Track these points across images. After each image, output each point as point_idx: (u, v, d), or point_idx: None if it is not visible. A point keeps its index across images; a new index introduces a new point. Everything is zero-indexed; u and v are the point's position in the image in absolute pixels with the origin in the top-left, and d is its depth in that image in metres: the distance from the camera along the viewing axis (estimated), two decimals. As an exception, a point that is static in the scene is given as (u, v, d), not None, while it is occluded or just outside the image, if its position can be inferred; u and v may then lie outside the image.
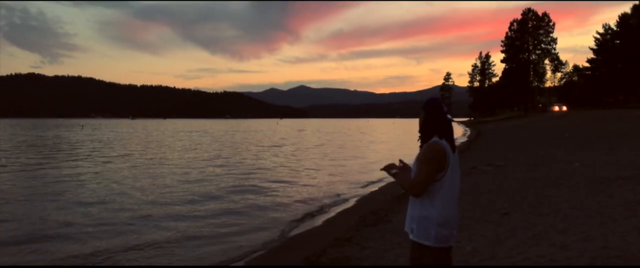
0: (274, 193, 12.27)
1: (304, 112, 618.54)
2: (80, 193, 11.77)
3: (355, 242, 6.39)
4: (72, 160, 20.84)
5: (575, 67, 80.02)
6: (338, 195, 12.04)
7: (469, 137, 41.09)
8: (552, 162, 12.66)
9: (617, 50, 62.15)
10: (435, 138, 2.69)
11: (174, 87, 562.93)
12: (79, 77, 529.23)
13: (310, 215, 9.51)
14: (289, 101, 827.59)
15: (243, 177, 15.42)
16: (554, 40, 79.81)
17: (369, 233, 6.89)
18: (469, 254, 5.05)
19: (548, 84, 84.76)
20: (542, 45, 79.89)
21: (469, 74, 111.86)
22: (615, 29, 64.76)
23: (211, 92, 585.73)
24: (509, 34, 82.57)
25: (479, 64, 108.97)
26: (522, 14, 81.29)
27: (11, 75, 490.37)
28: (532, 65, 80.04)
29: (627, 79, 58.14)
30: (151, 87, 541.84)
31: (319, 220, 8.99)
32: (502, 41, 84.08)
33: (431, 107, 2.77)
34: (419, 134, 2.81)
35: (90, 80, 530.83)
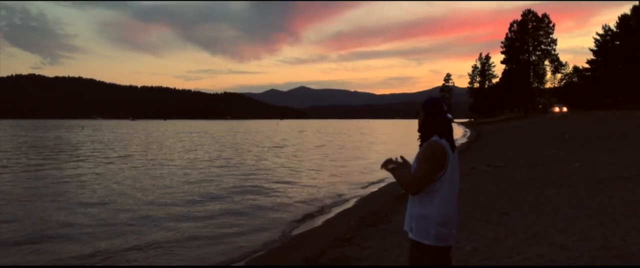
0: (275, 193, 12.27)
1: (304, 113, 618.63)
2: (81, 194, 11.78)
3: (355, 242, 6.39)
4: (73, 161, 20.85)
5: (575, 68, 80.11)
6: (339, 195, 12.05)
7: (469, 138, 41.09)
8: (552, 163, 12.65)
9: (617, 51, 62.16)
10: (435, 138, 2.69)
11: (174, 88, 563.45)
12: (80, 78, 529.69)
13: (311, 215, 9.52)
14: (289, 102, 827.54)
15: (244, 178, 15.43)
16: (554, 41, 79.88)
17: (368, 233, 6.89)
18: (469, 254, 5.05)
19: (548, 85, 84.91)
20: (542, 46, 79.95)
21: (469, 75, 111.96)
22: (615, 30, 64.79)
23: (211, 93, 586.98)
24: (509, 35, 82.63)
25: (479, 65, 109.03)
26: (522, 15, 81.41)
27: (12, 76, 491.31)
28: (532, 66, 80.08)
29: (627, 80, 58.12)
30: (151, 88, 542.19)
31: (319, 221, 9.00)
32: (502, 42, 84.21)
33: (431, 107, 2.77)
34: (419, 134, 2.82)
35: (91, 81, 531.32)
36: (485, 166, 13.51)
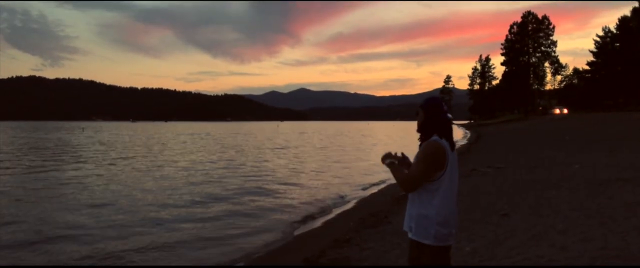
0: (276, 194, 12.29)
1: (304, 114, 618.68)
2: (84, 196, 11.79)
3: (354, 243, 6.40)
4: (75, 163, 20.87)
5: (575, 70, 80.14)
6: (340, 196, 12.06)
7: (469, 139, 41.10)
8: (552, 164, 12.66)
9: (617, 53, 62.24)
10: (435, 137, 2.69)
11: (175, 89, 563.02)
12: (80, 80, 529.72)
13: (311, 216, 9.53)
14: (290, 104, 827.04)
15: (245, 179, 15.44)
16: (554, 43, 79.96)
17: (368, 234, 6.89)
18: (469, 255, 5.05)
19: (548, 87, 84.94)
20: (542, 48, 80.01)
21: (469, 76, 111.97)
22: (615, 31, 64.86)
23: (212, 94, 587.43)
24: (509, 37, 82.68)
25: (479, 67, 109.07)
26: (522, 17, 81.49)
27: (12, 77, 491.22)
28: (532, 68, 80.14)
29: (627, 81, 58.15)
30: (152, 90, 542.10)
31: (319, 222, 9.02)
32: (502, 44, 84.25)
33: (431, 106, 2.76)
34: (418, 134, 2.81)
35: (91, 83, 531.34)
36: (485, 167, 13.52)
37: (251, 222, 8.99)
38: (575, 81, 79.59)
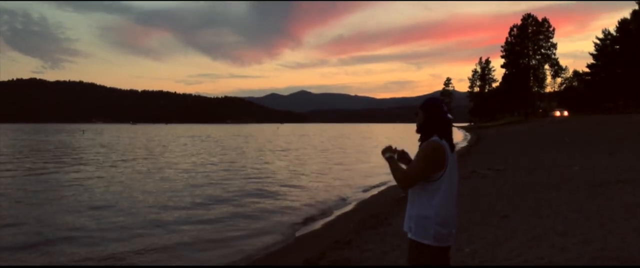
0: (277, 196, 12.30)
1: (304, 117, 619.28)
2: (86, 197, 11.81)
3: (355, 245, 6.40)
4: (76, 165, 20.89)
5: (575, 72, 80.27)
6: (341, 198, 12.07)
7: (469, 141, 41.10)
8: (552, 166, 12.67)
9: (617, 55, 62.32)
10: (435, 138, 2.69)
11: (175, 92, 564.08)
12: (81, 83, 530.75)
13: (312, 218, 9.53)
14: (290, 106, 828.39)
15: (246, 181, 15.45)
16: (554, 46, 79.99)
17: (368, 236, 6.90)
18: (468, 256, 5.06)
19: (548, 89, 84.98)
20: (542, 50, 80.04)
21: (469, 79, 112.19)
22: (615, 34, 64.93)
23: (212, 97, 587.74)
24: (509, 40, 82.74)
25: (479, 69, 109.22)
26: (522, 20, 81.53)
27: (13, 80, 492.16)
28: (532, 71, 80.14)
29: (627, 84, 58.21)
30: (152, 92, 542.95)
31: (319, 224, 9.02)
32: (502, 46, 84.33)
33: (431, 107, 2.77)
34: (419, 135, 2.81)
35: (92, 85, 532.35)
36: (485, 170, 13.53)
37: (252, 223, 8.99)
38: (575, 84, 79.70)
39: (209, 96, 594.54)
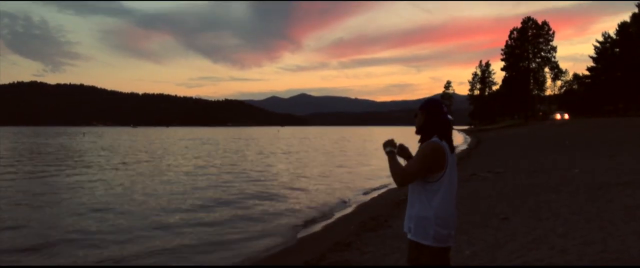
0: (278, 199, 12.31)
1: (304, 120, 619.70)
2: (88, 200, 11.83)
3: (355, 247, 6.41)
4: (78, 168, 20.91)
5: (575, 75, 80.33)
6: (343, 201, 12.07)
7: (469, 144, 41.11)
8: (552, 169, 12.68)
9: (617, 58, 62.34)
10: (435, 139, 2.69)
11: (176, 95, 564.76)
12: (81, 86, 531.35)
13: (313, 220, 9.54)
14: (290, 109, 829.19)
15: (247, 184, 15.46)
16: (554, 49, 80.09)
17: (368, 238, 6.91)
18: (469, 258, 5.07)
19: (548, 92, 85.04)
20: (542, 53, 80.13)
21: (469, 82, 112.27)
22: (614, 37, 65.01)
23: (213, 100, 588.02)
24: (509, 43, 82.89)
25: (479, 72, 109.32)
26: (522, 23, 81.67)
27: (13, 83, 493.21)
28: (532, 74, 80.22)
29: (627, 87, 58.22)
30: (153, 95, 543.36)
31: (320, 226, 9.03)
32: (502, 49, 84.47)
33: (431, 108, 2.77)
34: (418, 137, 2.82)
35: (92, 88, 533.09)
36: (485, 172, 13.54)
37: (252, 226, 9.01)
38: (575, 86, 79.72)
39: (209, 99, 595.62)
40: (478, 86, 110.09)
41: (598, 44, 68.45)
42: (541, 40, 79.74)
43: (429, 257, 2.58)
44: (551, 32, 79.60)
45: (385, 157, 2.87)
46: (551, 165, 13.72)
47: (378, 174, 17.86)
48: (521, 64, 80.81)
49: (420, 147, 2.73)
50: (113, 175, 18.09)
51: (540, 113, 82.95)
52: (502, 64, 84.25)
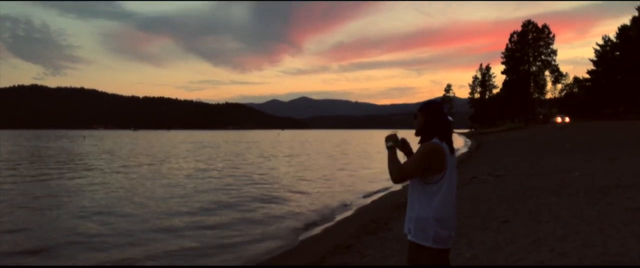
0: (279, 202, 12.31)
1: (305, 123, 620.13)
2: (90, 203, 11.82)
3: (355, 250, 6.42)
4: (80, 171, 20.91)
5: (576, 78, 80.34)
6: (344, 204, 12.06)
7: (469, 147, 41.09)
8: (552, 172, 12.68)
9: (617, 61, 62.41)
10: (435, 140, 2.70)
11: (177, 98, 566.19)
12: (82, 89, 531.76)
13: (313, 223, 9.54)
14: (291, 112, 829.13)
15: (249, 187, 15.45)
16: (554, 52, 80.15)
17: (369, 241, 6.91)
18: (469, 261, 5.08)
19: (548, 96, 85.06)
20: (542, 56, 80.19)
21: (470, 85, 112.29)
22: (615, 40, 65.08)
23: (213, 103, 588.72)
24: (509, 46, 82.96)
25: (479, 76, 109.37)
26: (522, 26, 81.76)
27: (14, 86, 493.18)
28: (532, 77, 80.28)
29: (627, 90, 58.27)
30: (153, 98, 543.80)
31: (320, 229, 9.03)
32: (502, 53, 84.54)
33: (431, 109, 2.77)
34: (418, 139, 2.82)
35: (93, 91, 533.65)
36: (485, 175, 13.54)
37: (254, 228, 9.01)
38: (575, 90, 79.78)
39: (210, 102, 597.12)
40: (478, 89, 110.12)
41: (598, 47, 68.55)
42: (541, 43, 79.81)
43: (429, 258, 2.58)
44: (551, 35, 79.72)
45: (386, 160, 2.87)
46: (551, 168, 13.73)
47: (379, 177, 17.86)
48: (521, 67, 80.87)
49: (420, 147, 2.73)
50: (114, 178, 18.10)
51: (541, 116, 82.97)
52: (503, 67, 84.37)
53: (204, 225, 9.27)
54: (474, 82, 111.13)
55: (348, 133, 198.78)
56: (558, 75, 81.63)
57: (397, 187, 14.41)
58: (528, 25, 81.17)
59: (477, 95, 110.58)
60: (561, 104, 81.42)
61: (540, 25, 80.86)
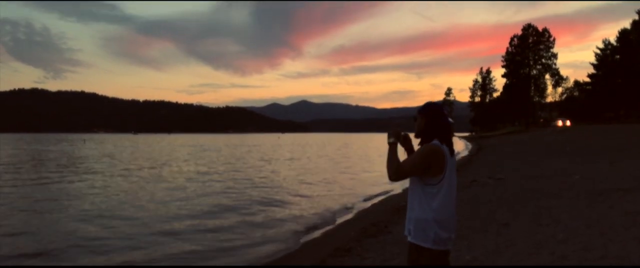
0: (280, 205, 12.31)
1: (305, 126, 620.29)
2: (92, 207, 11.82)
3: (355, 253, 6.42)
4: (81, 174, 20.91)
5: (576, 82, 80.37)
6: (345, 207, 12.06)
7: (470, 151, 41.08)
8: (553, 175, 12.68)
9: (618, 65, 62.44)
10: (435, 142, 2.70)
11: (177, 102, 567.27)
12: (82, 92, 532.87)
13: (314, 227, 9.53)
14: (291, 116, 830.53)
15: (250, 190, 15.44)
16: (555, 56, 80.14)
17: (369, 244, 6.91)
18: (469, 263, 5.08)
19: (549, 99, 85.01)
20: (543, 60, 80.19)
21: (470, 89, 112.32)
22: (615, 44, 65.15)
23: (214, 106, 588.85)
24: (510, 50, 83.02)
25: (479, 79, 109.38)
26: (522, 30, 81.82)
27: (15, 90, 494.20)
28: (532, 80, 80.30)
29: (627, 93, 58.30)
30: (154, 102, 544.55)
31: (321, 232, 9.03)
32: (502, 56, 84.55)
33: (431, 111, 2.78)
34: (418, 140, 2.83)
35: (94, 95, 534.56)
36: (485, 178, 13.54)
37: (255, 232, 9.01)
38: (576, 93, 79.77)
39: (210, 106, 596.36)
40: (479, 93, 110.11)
41: (598, 51, 68.61)
42: (542, 47, 79.87)
43: (429, 259, 2.59)
44: (552, 39, 79.79)
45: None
46: (552, 171, 13.73)
47: (380, 180, 17.84)
48: (522, 71, 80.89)
49: (420, 147, 2.74)
50: (115, 181, 18.11)
51: (541, 120, 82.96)
52: (503, 70, 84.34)
53: (205, 228, 9.27)
54: (474, 85, 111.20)
55: (348, 136, 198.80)
56: (558, 79, 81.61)
57: (398, 190, 14.41)
58: (528, 28, 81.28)
59: (477, 99, 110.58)
60: (562, 108, 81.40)
61: (540, 28, 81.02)
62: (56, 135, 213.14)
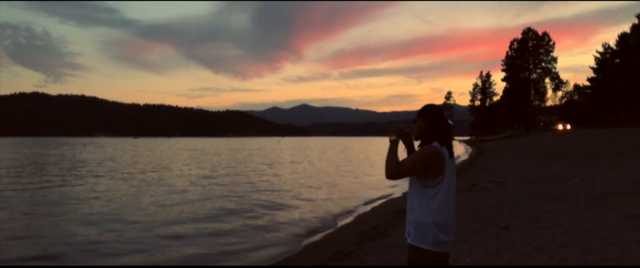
0: (280, 209, 12.30)
1: (306, 130, 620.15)
2: (94, 210, 11.81)
3: (355, 256, 6.44)
4: (83, 178, 20.91)
5: (576, 86, 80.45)
6: (346, 210, 12.06)
7: (470, 155, 41.07)
8: (553, 179, 12.71)
9: (617, 69, 62.52)
10: (435, 144, 2.72)
11: (177, 106, 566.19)
12: (83, 96, 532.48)
13: (314, 230, 9.54)
14: (291, 120, 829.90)
15: (251, 194, 15.41)
16: (554, 59, 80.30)
17: (369, 247, 6.93)
18: (469, 266, 5.10)
19: (549, 103, 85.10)
20: (543, 64, 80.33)
21: (470, 92, 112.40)
22: (615, 48, 65.26)
23: (214, 110, 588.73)
24: (510, 53, 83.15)
25: (479, 83, 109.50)
26: (522, 34, 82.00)
27: (15, 94, 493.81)
28: (532, 84, 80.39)
29: (627, 97, 58.35)
30: (154, 106, 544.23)
31: (321, 235, 9.04)
32: (502, 60, 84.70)
33: (431, 113, 2.79)
34: (418, 142, 2.85)
35: (94, 99, 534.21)
36: (485, 182, 13.56)
37: (256, 235, 9.02)
38: (575, 97, 79.86)
39: (210, 110, 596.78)
40: (479, 97, 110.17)
41: (598, 55, 68.73)
42: (541, 51, 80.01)
43: (428, 261, 2.61)
44: (551, 42, 79.96)
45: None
46: (552, 175, 13.75)
47: (381, 184, 17.85)
48: (522, 75, 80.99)
49: (419, 149, 2.76)
50: (117, 185, 18.12)
51: (541, 123, 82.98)
52: (503, 74, 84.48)
53: (207, 232, 9.28)
54: (474, 89, 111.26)
55: (349, 140, 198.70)
56: (558, 83, 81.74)
57: (398, 193, 14.43)
58: (528, 32, 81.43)
59: (477, 103, 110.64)
60: (561, 111, 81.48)
61: (540, 32, 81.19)
62: (57, 139, 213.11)
